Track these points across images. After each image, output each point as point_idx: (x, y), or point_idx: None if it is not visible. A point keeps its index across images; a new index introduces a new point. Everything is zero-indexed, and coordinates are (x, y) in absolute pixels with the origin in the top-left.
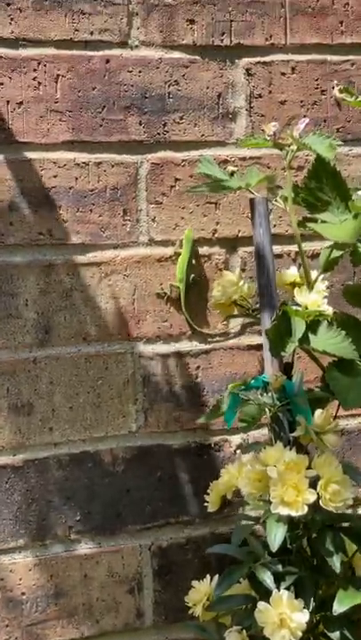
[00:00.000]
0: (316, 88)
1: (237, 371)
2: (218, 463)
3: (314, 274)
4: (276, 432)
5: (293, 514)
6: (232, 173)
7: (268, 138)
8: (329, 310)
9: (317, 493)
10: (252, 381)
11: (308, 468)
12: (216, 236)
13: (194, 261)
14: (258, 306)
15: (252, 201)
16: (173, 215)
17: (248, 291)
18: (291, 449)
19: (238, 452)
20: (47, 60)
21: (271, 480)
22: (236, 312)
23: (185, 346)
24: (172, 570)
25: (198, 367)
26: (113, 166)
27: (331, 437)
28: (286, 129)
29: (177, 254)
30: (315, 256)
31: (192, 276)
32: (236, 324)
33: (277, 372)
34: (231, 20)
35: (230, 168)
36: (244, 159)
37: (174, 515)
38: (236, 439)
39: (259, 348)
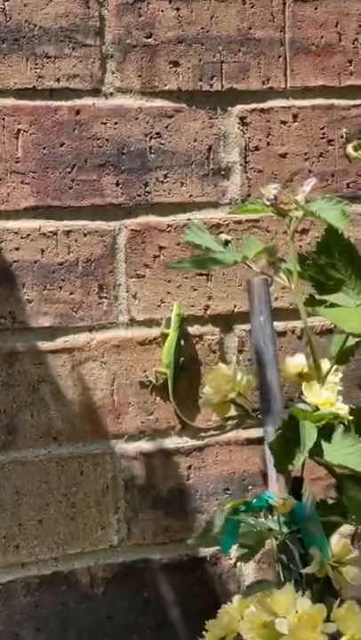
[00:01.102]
0: (322, 138)
1: (236, 469)
2: (214, 579)
3: (325, 362)
4: (285, 564)
5: None
6: (226, 243)
7: (268, 202)
8: (345, 410)
9: None
10: (254, 501)
11: (328, 619)
12: (208, 312)
13: (183, 343)
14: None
15: (249, 283)
16: (158, 290)
17: (247, 384)
18: (304, 591)
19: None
20: (6, 112)
21: (282, 638)
22: (233, 411)
23: (174, 442)
24: None
25: (190, 467)
26: (86, 235)
27: (351, 571)
28: (288, 187)
29: (163, 335)
30: (324, 332)
31: (181, 359)
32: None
33: (284, 493)
34: (222, 62)
35: (224, 236)
36: (239, 222)
37: None
38: (235, 549)
39: (260, 441)
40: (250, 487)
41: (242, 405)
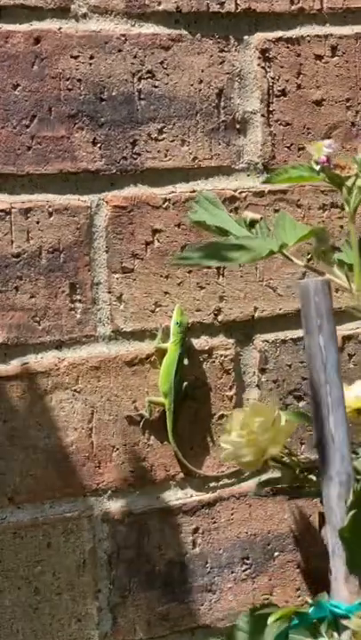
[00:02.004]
0: None
1: (257, 531)
2: None
3: None
4: None
5: None
6: (252, 223)
7: (318, 166)
8: None
9: None
10: (311, 610)
11: None
12: (220, 318)
13: (187, 361)
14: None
15: (304, 290)
16: (152, 289)
17: (288, 428)
18: None
19: None
20: None
21: None
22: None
23: (175, 497)
24: None
25: (197, 530)
26: (51, 214)
27: None
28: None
29: (159, 352)
30: None
31: (184, 385)
32: None
33: (357, 599)
34: None
35: (249, 214)
36: (260, 195)
37: None
38: None
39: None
40: (276, 554)
41: (287, 464)
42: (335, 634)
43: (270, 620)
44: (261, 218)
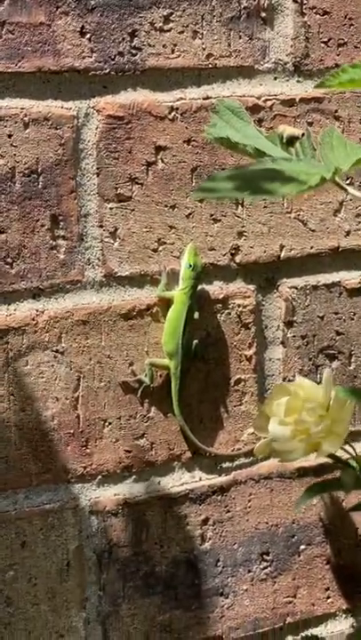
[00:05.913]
0: None
1: (280, 520)
2: None
3: None
4: None
5: None
6: (290, 141)
7: None
8: None
9: None
10: None
11: None
12: (238, 259)
13: (197, 315)
14: None
15: None
16: (154, 222)
17: (348, 413)
18: None
19: None
20: None
21: None
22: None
23: (180, 482)
24: None
25: (206, 521)
26: (27, 126)
27: None
28: None
29: (163, 302)
30: None
31: (194, 343)
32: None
33: None
34: None
35: (286, 129)
36: (290, 103)
37: None
38: None
39: (319, 472)
40: (302, 548)
41: (347, 463)
42: None
43: None
44: (303, 134)
